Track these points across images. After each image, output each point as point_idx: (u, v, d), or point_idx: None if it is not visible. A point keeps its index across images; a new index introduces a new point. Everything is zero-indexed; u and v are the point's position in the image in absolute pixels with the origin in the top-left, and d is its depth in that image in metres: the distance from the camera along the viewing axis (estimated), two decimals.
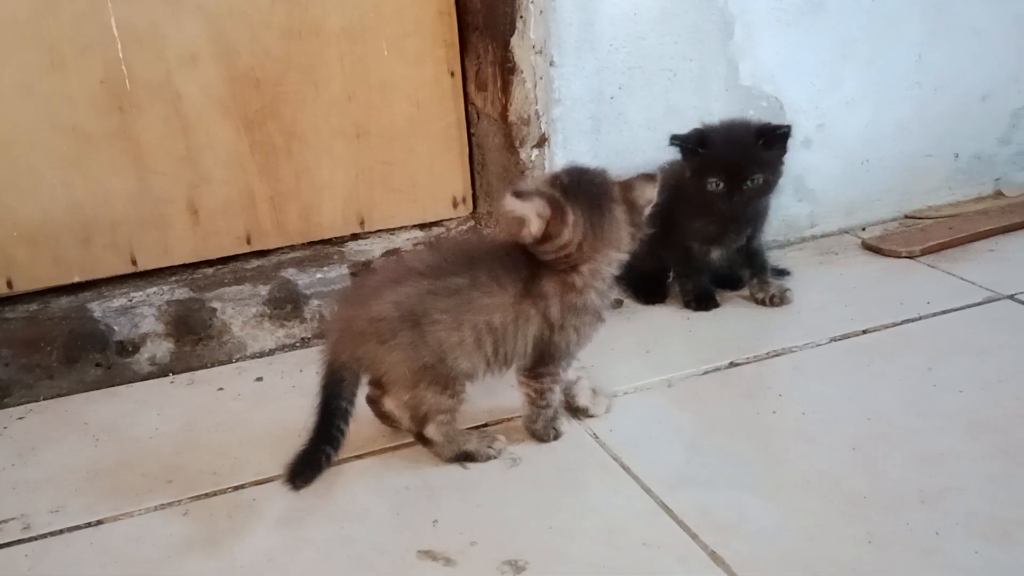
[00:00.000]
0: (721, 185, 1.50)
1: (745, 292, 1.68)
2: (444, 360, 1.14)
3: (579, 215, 1.12)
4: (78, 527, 1.14)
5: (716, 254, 1.64)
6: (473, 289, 1.13)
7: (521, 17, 1.56)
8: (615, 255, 1.17)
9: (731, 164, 1.50)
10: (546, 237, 1.12)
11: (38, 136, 1.50)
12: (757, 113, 1.77)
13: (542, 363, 1.20)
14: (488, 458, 1.22)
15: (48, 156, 1.51)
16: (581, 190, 1.13)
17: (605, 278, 1.18)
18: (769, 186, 1.53)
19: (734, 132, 1.53)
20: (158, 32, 1.51)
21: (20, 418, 1.41)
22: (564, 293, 1.15)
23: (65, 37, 1.47)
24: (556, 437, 1.25)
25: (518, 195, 1.11)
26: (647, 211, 1.16)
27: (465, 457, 1.21)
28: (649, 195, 1.15)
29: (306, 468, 1.15)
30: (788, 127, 1.51)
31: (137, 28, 1.50)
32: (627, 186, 1.16)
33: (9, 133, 1.48)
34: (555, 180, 1.14)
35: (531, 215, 1.10)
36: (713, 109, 1.73)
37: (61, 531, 1.13)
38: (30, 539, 1.12)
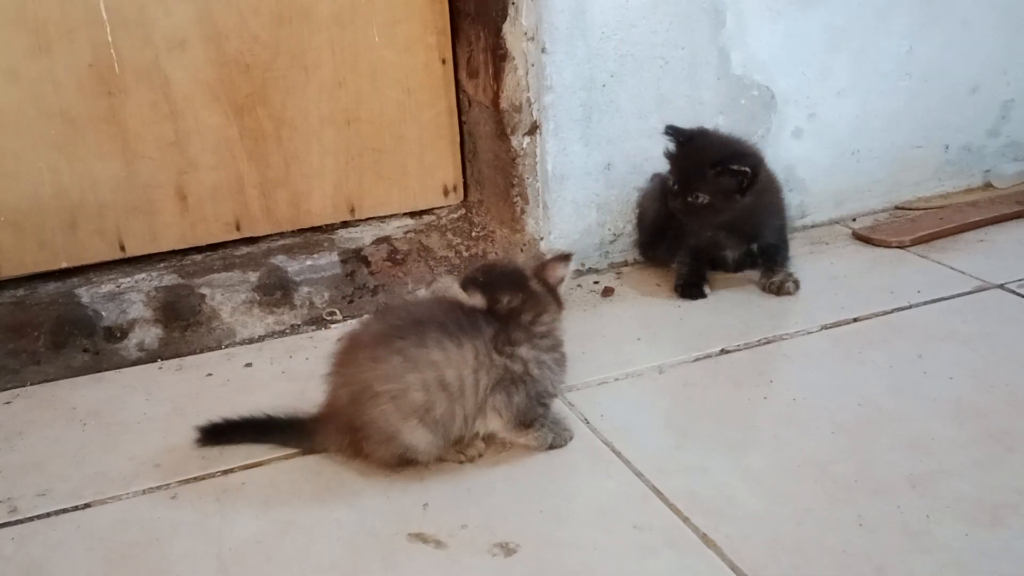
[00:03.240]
0: (676, 187, 1.56)
1: (742, 278, 1.69)
2: (397, 436, 1.11)
3: (509, 295, 1.15)
4: (65, 510, 1.13)
5: (729, 254, 1.66)
6: (419, 347, 1.10)
7: (513, 4, 1.55)
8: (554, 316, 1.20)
9: (682, 174, 1.56)
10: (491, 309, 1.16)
11: (24, 120, 1.48)
12: (748, 103, 1.77)
13: (527, 413, 1.17)
14: (471, 460, 1.19)
15: (34, 140, 1.50)
16: (503, 280, 1.17)
17: (558, 330, 1.21)
18: (716, 210, 1.54)
19: (702, 147, 1.55)
20: (146, 15, 1.50)
21: (7, 403, 1.40)
22: (535, 335, 1.16)
23: (51, 20, 1.46)
24: (572, 437, 1.22)
25: (465, 290, 1.16)
26: (561, 287, 1.21)
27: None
28: (561, 274, 1.20)
29: (218, 437, 1.22)
30: (746, 170, 1.50)
31: (125, 11, 1.49)
32: (541, 267, 1.20)
33: None
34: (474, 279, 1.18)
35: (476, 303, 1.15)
36: (704, 98, 1.73)
37: (48, 514, 1.13)
38: (16, 522, 1.11)
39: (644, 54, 1.67)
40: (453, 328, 1.12)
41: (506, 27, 1.57)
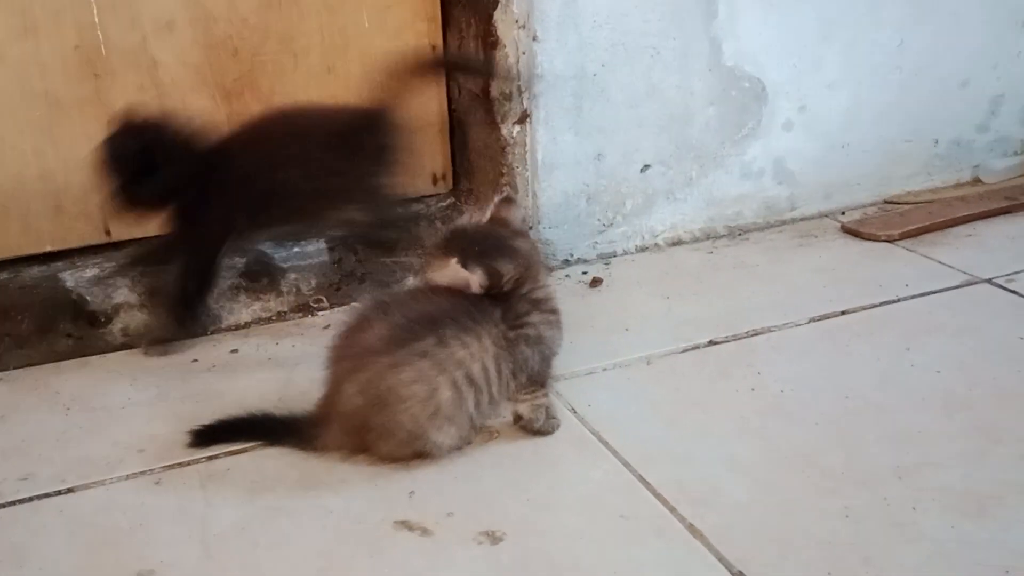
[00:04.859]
0: None
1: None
2: (424, 435, 1.11)
3: (510, 265, 1.14)
4: (47, 495, 1.12)
5: None
6: (441, 347, 1.09)
7: None
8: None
9: None
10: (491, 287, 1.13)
11: (8, 102, 1.46)
12: (738, 94, 1.77)
13: (541, 373, 1.18)
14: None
15: (18, 123, 1.48)
16: (492, 248, 1.15)
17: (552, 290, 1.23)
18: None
19: None
20: None
21: None
22: (539, 301, 1.17)
23: (37, 1, 1.44)
24: (559, 425, 1.22)
25: (466, 267, 1.11)
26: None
27: None
28: (518, 215, 1.23)
29: (212, 439, 1.20)
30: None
31: None
32: (501, 219, 1.20)
33: None
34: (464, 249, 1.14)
35: (473, 283, 1.11)
36: (695, 89, 1.73)
37: (30, 498, 1.11)
38: None
39: (636, 43, 1.66)
40: (467, 321, 1.11)
41: (497, 14, 1.56)
